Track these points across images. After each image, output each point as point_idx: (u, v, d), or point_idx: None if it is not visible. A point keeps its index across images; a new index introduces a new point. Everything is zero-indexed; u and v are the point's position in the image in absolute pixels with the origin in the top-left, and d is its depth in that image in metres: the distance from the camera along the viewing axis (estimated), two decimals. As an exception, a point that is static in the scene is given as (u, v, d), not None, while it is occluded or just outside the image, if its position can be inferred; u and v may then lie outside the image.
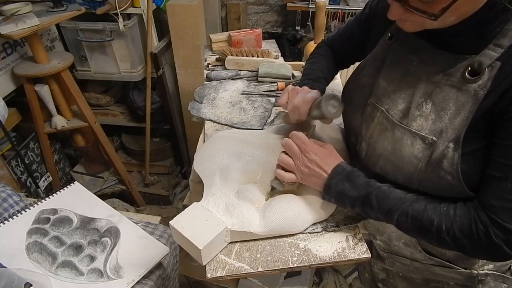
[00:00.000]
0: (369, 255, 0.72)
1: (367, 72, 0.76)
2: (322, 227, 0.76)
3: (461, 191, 0.60)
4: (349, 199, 0.69)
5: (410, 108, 0.64)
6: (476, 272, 0.75)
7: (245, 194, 0.77)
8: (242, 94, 1.23)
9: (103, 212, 0.93)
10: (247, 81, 1.32)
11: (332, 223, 0.76)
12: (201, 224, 0.70)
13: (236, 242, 0.74)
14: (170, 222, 0.70)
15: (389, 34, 0.72)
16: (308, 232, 0.75)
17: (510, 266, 0.77)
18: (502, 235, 0.56)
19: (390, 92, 0.68)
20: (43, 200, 0.94)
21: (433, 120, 0.60)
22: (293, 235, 0.75)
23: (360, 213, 0.72)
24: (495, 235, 0.56)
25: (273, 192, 0.79)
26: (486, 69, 0.55)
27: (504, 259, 0.60)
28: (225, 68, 1.41)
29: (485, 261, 0.75)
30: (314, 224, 0.76)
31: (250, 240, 0.74)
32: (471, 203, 0.60)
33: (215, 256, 0.71)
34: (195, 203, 0.75)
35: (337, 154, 0.75)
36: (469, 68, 0.56)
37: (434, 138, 0.60)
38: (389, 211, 0.65)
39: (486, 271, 0.75)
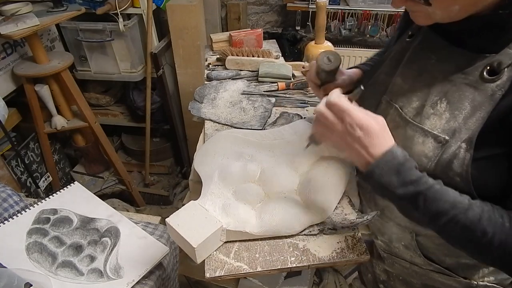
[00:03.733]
0: (368, 256, 0.72)
1: (384, 70, 0.75)
2: (319, 229, 0.76)
3: (468, 194, 0.58)
4: (391, 194, 0.59)
5: (424, 106, 0.62)
6: (476, 282, 0.73)
7: (243, 194, 0.77)
8: (242, 94, 1.23)
9: (103, 212, 0.93)
10: (248, 81, 1.32)
11: (329, 226, 0.76)
12: (196, 222, 0.70)
13: (235, 242, 0.74)
14: (166, 219, 0.70)
15: (409, 33, 0.72)
16: (304, 234, 0.75)
17: (509, 278, 0.74)
18: None
19: (405, 90, 0.67)
20: (43, 200, 0.94)
21: (447, 119, 0.59)
22: (292, 235, 0.75)
23: (397, 208, 0.64)
24: None
25: (309, 151, 0.73)
26: (506, 69, 0.53)
27: None
28: (226, 68, 1.41)
29: (486, 271, 0.72)
30: (311, 226, 0.76)
31: (249, 240, 0.74)
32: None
33: (210, 255, 0.71)
34: (192, 201, 0.75)
35: (389, 133, 0.61)
36: (488, 68, 0.55)
37: (446, 138, 0.58)
38: (436, 214, 0.56)
39: (486, 283, 0.73)
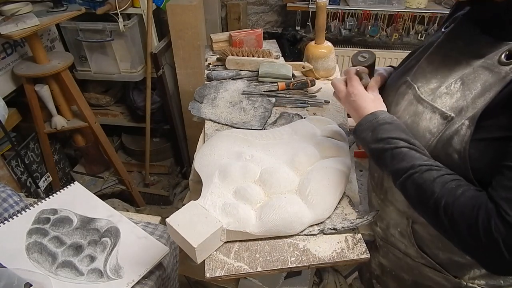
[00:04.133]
0: (368, 256, 0.72)
1: (415, 57, 0.78)
2: (319, 229, 0.76)
3: (466, 176, 0.58)
4: (368, 148, 0.71)
5: (440, 87, 0.66)
6: (465, 283, 0.73)
7: (243, 194, 0.77)
8: (243, 94, 1.23)
9: (103, 212, 0.93)
10: (248, 81, 1.32)
11: (329, 226, 0.76)
12: (197, 222, 0.70)
13: (235, 242, 0.74)
14: (167, 219, 0.70)
15: (447, 23, 0.74)
16: (304, 234, 0.75)
17: (501, 286, 0.72)
18: (503, 229, 0.50)
19: (427, 72, 0.70)
20: (43, 200, 0.94)
21: (457, 98, 0.62)
22: (292, 235, 0.75)
23: (376, 164, 0.73)
24: (495, 228, 0.50)
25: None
26: None
27: (495, 263, 0.53)
28: (226, 68, 1.41)
29: (478, 273, 0.71)
30: (311, 226, 0.76)
31: (249, 240, 0.74)
32: (483, 192, 0.55)
33: (210, 255, 0.71)
34: (192, 201, 0.75)
35: (381, 103, 0.76)
36: (507, 52, 0.57)
37: (452, 115, 0.61)
38: (397, 172, 0.64)
39: (476, 286, 0.72)
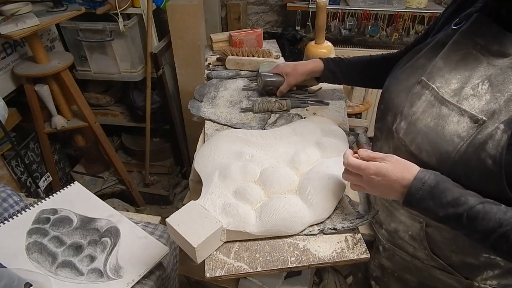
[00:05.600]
0: (368, 256, 0.72)
1: (424, 55, 0.74)
2: (319, 229, 0.75)
3: (498, 183, 0.57)
4: (434, 216, 0.62)
5: (463, 88, 0.62)
6: (477, 284, 0.72)
7: (243, 194, 0.77)
8: (243, 89, 1.24)
9: (103, 212, 0.93)
10: (248, 80, 1.32)
11: (329, 226, 0.76)
12: (197, 222, 0.70)
13: (235, 242, 0.74)
14: (167, 219, 0.70)
15: (457, 20, 0.71)
16: (304, 234, 0.75)
17: None
18: None
19: (445, 72, 0.67)
20: (43, 200, 0.94)
21: (487, 101, 0.59)
22: (292, 235, 0.75)
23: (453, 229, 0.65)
24: None
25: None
26: None
27: None
28: (226, 68, 1.41)
29: (490, 274, 0.71)
30: (311, 226, 0.76)
31: (249, 240, 0.74)
32: None
33: (210, 255, 0.71)
34: (192, 201, 0.75)
35: (406, 162, 0.65)
36: None
37: (484, 118, 0.58)
38: (484, 233, 0.57)
39: (488, 286, 0.72)
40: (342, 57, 1.10)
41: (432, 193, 0.60)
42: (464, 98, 0.62)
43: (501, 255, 0.63)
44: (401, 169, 0.64)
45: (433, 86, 0.67)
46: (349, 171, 0.70)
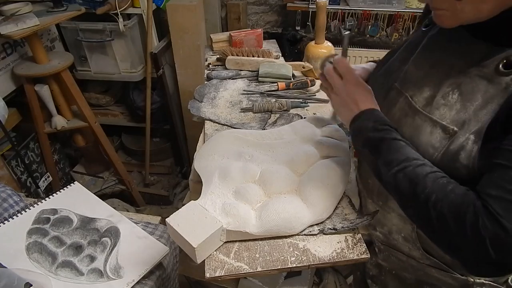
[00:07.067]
0: (368, 256, 0.72)
1: (398, 57, 0.75)
2: (319, 229, 0.76)
3: (473, 188, 0.57)
4: (365, 137, 0.67)
5: (435, 97, 0.62)
6: (472, 280, 0.72)
7: (243, 194, 0.77)
8: (242, 93, 1.23)
9: (103, 212, 0.93)
10: (248, 80, 1.32)
11: (329, 226, 0.76)
12: (197, 222, 0.70)
13: (235, 242, 0.74)
14: (167, 219, 0.70)
15: (426, 22, 0.72)
16: (304, 234, 0.75)
17: (508, 279, 0.73)
18: (491, 227, 0.49)
19: (417, 79, 0.67)
20: (43, 200, 0.94)
21: (457, 110, 0.59)
22: (292, 235, 0.75)
23: (363, 155, 0.71)
24: (483, 226, 0.50)
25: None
26: None
27: (478, 262, 0.53)
28: (226, 68, 1.41)
29: None
30: (311, 226, 0.76)
31: (249, 240, 0.74)
32: (473, 191, 0.55)
33: (210, 255, 0.71)
34: (192, 201, 0.76)
35: (374, 99, 0.73)
36: (504, 61, 0.55)
37: (455, 129, 0.58)
38: (390, 162, 0.62)
39: (482, 281, 0.72)
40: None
41: (376, 119, 0.67)
42: (435, 108, 0.62)
43: (396, 192, 0.63)
44: (370, 98, 0.72)
45: (406, 94, 0.68)
46: (334, 70, 0.75)
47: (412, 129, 0.65)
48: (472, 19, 0.56)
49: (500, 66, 0.55)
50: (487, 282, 0.73)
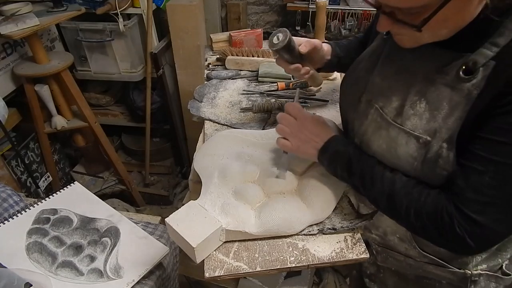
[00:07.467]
0: (367, 255, 0.72)
1: (364, 66, 0.75)
2: (318, 229, 0.76)
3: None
4: (341, 161, 0.72)
5: (404, 106, 0.63)
6: (470, 272, 0.74)
7: (242, 194, 0.77)
8: (242, 94, 1.23)
9: (103, 212, 0.93)
10: (248, 80, 1.32)
11: (328, 226, 0.76)
12: (196, 222, 0.70)
13: (235, 241, 0.74)
14: (166, 219, 0.70)
15: None
16: (304, 234, 0.75)
17: (502, 265, 0.76)
18: (467, 226, 0.55)
19: (384, 89, 0.67)
20: (43, 200, 0.94)
21: (427, 120, 0.60)
22: (291, 235, 0.75)
23: (345, 179, 0.74)
24: (459, 226, 0.56)
25: (272, 186, 0.80)
26: (481, 68, 0.54)
27: (469, 253, 0.61)
28: (226, 68, 1.41)
29: (479, 260, 0.74)
30: (310, 226, 0.76)
31: (248, 240, 0.74)
32: (442, 193, 0.61)
33: (209, 255, 0.71)
34: (191, 201, 0.76)
35: (333, 129, 0.79)
36: (464, 67, 0.56)
37: (428, 138, 0.59)
38: (367, 182, 0.68)
39: (479, 271, 0.74)
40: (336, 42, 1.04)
41: (344, 143, 0.74)
42: (406, 118, 0.63)
43: (383, 212, 0.70)
44: (326, 128, 0.77)
45: (376, 105, 0.68)
46: (287, 115, 0.79)
47: (389, 140, 0.65)
48: (432, 40, 0.58)
49: (461, 72, 0.56)
50: (484, 272, 0.74)
